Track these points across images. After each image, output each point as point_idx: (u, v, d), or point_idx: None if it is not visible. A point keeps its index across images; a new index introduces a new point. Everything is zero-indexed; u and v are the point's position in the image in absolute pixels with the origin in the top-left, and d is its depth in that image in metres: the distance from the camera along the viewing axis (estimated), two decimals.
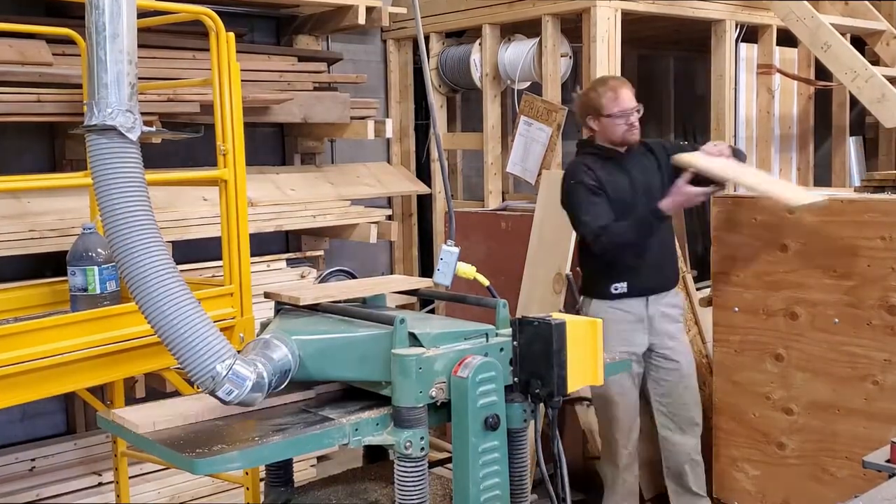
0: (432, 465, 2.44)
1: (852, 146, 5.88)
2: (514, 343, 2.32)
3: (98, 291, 3.03)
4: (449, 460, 2.34)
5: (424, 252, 5.64)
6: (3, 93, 3.49)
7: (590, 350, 2.33)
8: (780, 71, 5.26)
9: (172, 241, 3.84)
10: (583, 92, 3.75)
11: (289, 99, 4.45)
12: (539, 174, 4.49)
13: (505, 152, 4.83)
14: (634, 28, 4.86)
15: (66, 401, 4.31)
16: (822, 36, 4.40)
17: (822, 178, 5.96)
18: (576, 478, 3.77)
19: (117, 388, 3.53)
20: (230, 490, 4.19)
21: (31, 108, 3.56)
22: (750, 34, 5.10)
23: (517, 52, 4.73)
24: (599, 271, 3.58)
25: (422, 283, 2.89)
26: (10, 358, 2.52)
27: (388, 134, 4.93)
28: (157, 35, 4.06)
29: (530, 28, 4.78)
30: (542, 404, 2.33)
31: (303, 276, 4.62)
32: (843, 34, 4.63)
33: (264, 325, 2.48)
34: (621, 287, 3.53)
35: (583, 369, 2.31)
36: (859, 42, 5.21)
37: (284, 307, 2.58)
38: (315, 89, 4.70)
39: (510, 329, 2.35)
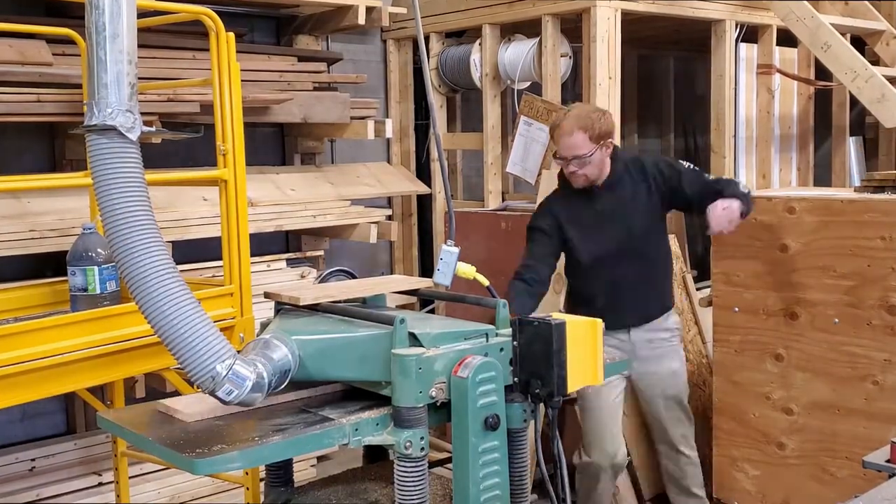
0: (432, 465, 2.44)
1: (852, 146, 5.88)
2: (514, 343, 2.32)
3: (98, 291, 3.04)
4: (449, 460, 2.34)
5: (424, 252, 5.64)
6: (3, 93, 3.49)
7: (590, 350, 2.33)
8: (780, 71, 5.26)
9: (172, 241, 3.84)
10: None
11: (289, 99, 4.45)
12: (539, 174, 4.49)
13: (505, 152, 4.83)
14: (634, 28, 4.86)
15: (66, 401, 4.31)
16: (822, 36, 4.40)
17: (822, 178, 5.96)
18: (574, 478, 3.78)
19: (117, 388, 3.54)
20: (230, 490, 4.19)
21: (31, 108, 3.56)
22: (750, 34, 5.10)
23: (517, 52, 4.73)
24: (578, 304, 3.53)
25: (422, 283, 2.88)
26: (10, 358, 2.52)
27: (388, 134, 4.93)
28: (157, 35, 4.06)
29: (530, 28, 4.78)
30: (542, 404, 2.33)
31: (303, 276, 4.62)
32: (843, 34, 4.63)
33: (264, 325, 2.48)
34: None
35: (583, 369, 2.31)
36: (859, 42, 5.21)
37: (284, 307, 2.58)
38: (315, 89, 4.70)
39: (510, 329, 2.35)
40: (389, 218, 5.22)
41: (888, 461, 2.06)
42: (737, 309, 3.60)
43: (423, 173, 5.48)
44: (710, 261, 3.71)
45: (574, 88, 5.52)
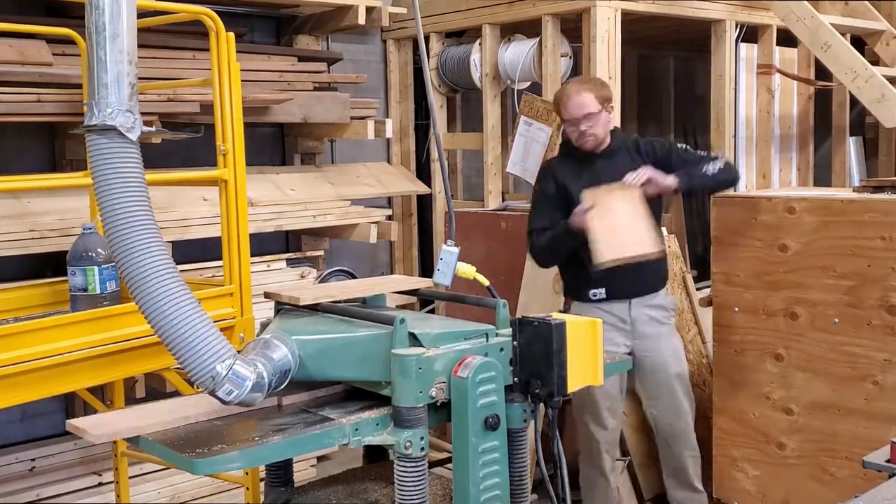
0: (432, 465, 2.44)
1: (852, 146, 5.88)
2: (514, 343, 2.32)
3: (98, 291, 3.03)
4: (449, 460, 2.34)
5: (424, 252, 5.64)
6: (3, 93, 3.49)
7: (590, 350, 2.33)
8: (780, 71, 5.26)
9: (172, 241, 3.84)
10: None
11: (289, 99, 4.45)
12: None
13: (505, 152, 4.83)
14: (634, 28, 4.86)
15: (66, 401, 4.30)
16: (822, 36, 4.40)
17: (822, 178, 5.96)
18: (576, 478, 3.78)
19: (117, 388, 3.54)
20: (230, 490, 4.19)
21: (31, 108, 3.56)
22: (750, 34, 5.10)
23: (517, 52, 4.73)
24: (577, 276, 3.55)
25: (422, 283, 2.89)
26: (10, 358, 2.52)
27: (388, 134, 4.93)
28: (157, 35, 4.06)
29: (530, 28, 4.78)
30: (542, 404, 2.33)
31: (303, 276, 4.62)
32: (843, 34, 4.64)
33: (264, 325, 2.48)
34: (600, 293, 3.51)
35: (583, 369, 2.31)
36: (859, 42, 5.21)
37: (284, 307, 2.58)
38: (315, 89, 4.70)
39: (510, 329, 2.35)
40: (389, 218, 5.22)
41: (888, 461, 2.06)
42: (737, 309, 3.60)
43: (423, 173, 5.48)
44: (710, 261, 3.71)
45: None
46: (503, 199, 5.00)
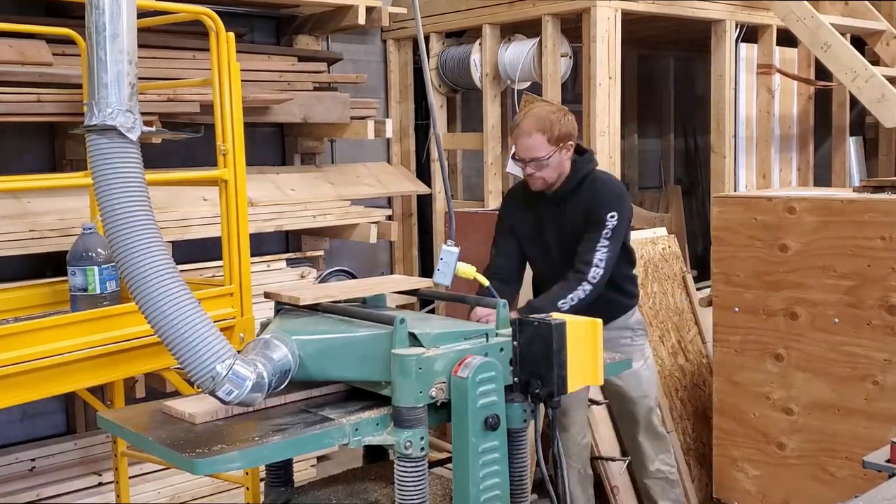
0: (432, 465, 2.44)
1: (852, 146, 5.89)
2: (514, 343, 2.32)
3: (98, 291, 3.03)
4: (449, 460, 2.34)
5: (424, 252, 5.64)
6: (3, 93, 3.49)
7: (590, 350, 2.32)
8: (780, 71, 5.26)
9: (172, 241, 3.84)
10: None
11: (289, 99, 4.45)
12: None
13: (505, 152, 4.83)
14: (634, 28, 4.86)
15: (66, 401, 4.31)
16: (822, 36, 4.41)
17: (822, 178, 5.96)
18: None
19: (117, 388, 3.54)
20: (230, 490, 4.19)
21: (31, 108, 3.56)
22: (750, 34, 5.11)
23: (517, 52, 4.73)
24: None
25: (422, 283, 2.88)
26: (10, 358, 2.52)
27: (388, 134, 4.93)
28: (157, 35, 4.07)
29: (530, 28, 4.79)
30: (542, 404, 2.33)
31: (303, 276, 4.62)
32: (843, 34, 4.64)
33: (264, 325, 2.48)
34: None
35: (583, 369, 2.31)
36: (859, 42, 5.21)
37: (284, 307, 2.58)
38: (315, 89, 4.71)
39: (510, 329, 2.35)
40: (389, 218, 5.22)
41: (888, 461, 2.06)
42: (737, 309, 3.60)
43: (423, 173, 5.48)
44: (710, 261, 3.71)
45: (574, 88, 5.53)
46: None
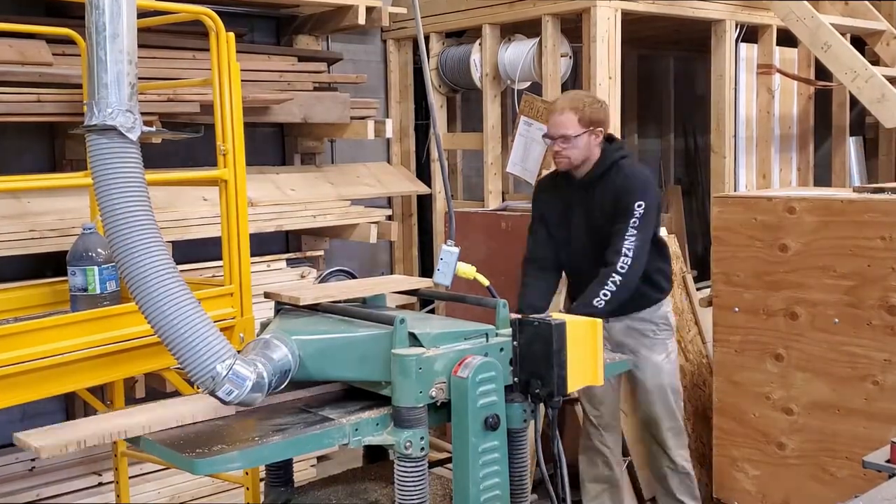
0: (432, 465, 2.44)
1: (852, 146, 5.89)
2: (514, 343, 2.32)
3: (98, 291, 3.03)
4: (449, 460, 2.34)
5: (424, 252, 5.64)
6: (3, 93, 3.49)
7: (590, 350, 2.33)
8: (780, 71, 5.26)
9: (172, 241, 3.84)
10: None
11: (289, 99, 4.45)
12: (539, 174, 4.49)
13: (505, 152, 4.83)
14: (634, 28, 4.86)
15: (66, 401, 4.30)
16: (822, 36, 4.40)
17: (822, 178, 5.96)
18: (576, 478, 3.78)
19: (117, 388, 3.53)
20: (230, 490, 4.19)
21: (31, 108, 3.56)
22: (750, 34, 5.11)
23: (517, 52, 4.73)
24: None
25: (422, 283, 2.89)
26: (10, 358, 2.52)
27: (388, 134, 4.93)
28: (157, 35, 4.06)
29: (530, 28, 4.78)
30: (542, 404, 2.33)
31: (303, 276, 4.62)
32: (843, 34, 4.64)
33: (264, 325, 2.48)
34: None
35: (583, 369, 2.31)
36: (859, 42, 5.21)
37: (284, 307, 2.58)
38: (315, 89, 4.70)
39: (510, 329, 2.35)
40: (389, 218, 5.22)
41: (888, 461, 2.06)
42: (737, 309, 3.60)
43: (423, 173, 5.48)
44: (710, 261, 3.71)
45: (574, 88, 5.52)
46: (503, 199, 5.00)
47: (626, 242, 3.28)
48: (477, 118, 5.13)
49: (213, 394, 2.13)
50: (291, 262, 4.74)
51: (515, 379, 2.33)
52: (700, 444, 4.30)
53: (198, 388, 2.19)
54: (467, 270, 2.79)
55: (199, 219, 4.08)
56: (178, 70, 4.10)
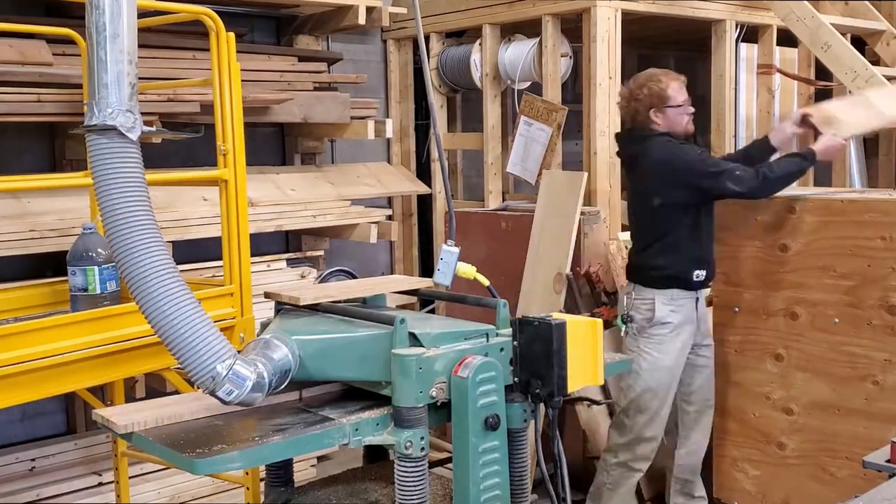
0: (432, 465, 2.44)
1: (852, 146, 5.87)
2: (515, 343, 2.32)
3: (98, 291, 3.04)
4: (449, 460, 2.34)
5: (424, 252, 5.64)
6: (3, 93, 3.49)
7: (590, 350, 2.33)
8: (780, 71, 5.26)
9: (172, 241, 3.84)
10: (638, 85, 3.68)
11: (289, 99, 4.45)
12: (539, 174, 4.49)
13: (505, 152, 4.83)
14: (634, 28, 4.86)
15: (66, 401, 4.30)
16: (823, 36, 4.40)
17: (822, 178, 5.95)
18: (576, 478, 3.78)
19: (117, 388, 3.54)
20: (230, 490, 4.18)
21: (31, 108, 3.56)
22: (750, 34, 5.10)
23: (517, 52, 4.73)
24: (679, 259, 3.47)
25: (422, 283, 2.89)
26: (10, 358, 2.52)
27: (388, 134, 4.93)
28: (157, 35, 4.06)
29: (530, 28, 4.78)
30: (542, 404, 2.33)
31: (303, 276, 4.62)
32: (843, 34, 4.63)
33: (264, 325, 2.48)
34: (701, 274, 3.49)
35: (583, 369, 2.31)
36: (859, 42, 5.20)
37: (284, 307, 2.58)
38: (315, 89, 4.70)
39: (510, 329, 2.35)
40: (389, 218, 5.22)
41: (888, 461, 2.06)
42: (737, 309, 3.60)
43: (424, 173, 5.48)
44: None
45: (574, 88, 5.52)
46: (503, 199, 5.00)
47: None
48: (477, 118, 5.13)
49: (213, 394, 2.13)
50: (291, 262, 4.74)
51: (516, 379, 2.33)
52: None
53: (198, 387, 2.19)
54: (467, 270, 2.79)
55: (199, 219, 4.08)
56: (178, 70, 4.10)
